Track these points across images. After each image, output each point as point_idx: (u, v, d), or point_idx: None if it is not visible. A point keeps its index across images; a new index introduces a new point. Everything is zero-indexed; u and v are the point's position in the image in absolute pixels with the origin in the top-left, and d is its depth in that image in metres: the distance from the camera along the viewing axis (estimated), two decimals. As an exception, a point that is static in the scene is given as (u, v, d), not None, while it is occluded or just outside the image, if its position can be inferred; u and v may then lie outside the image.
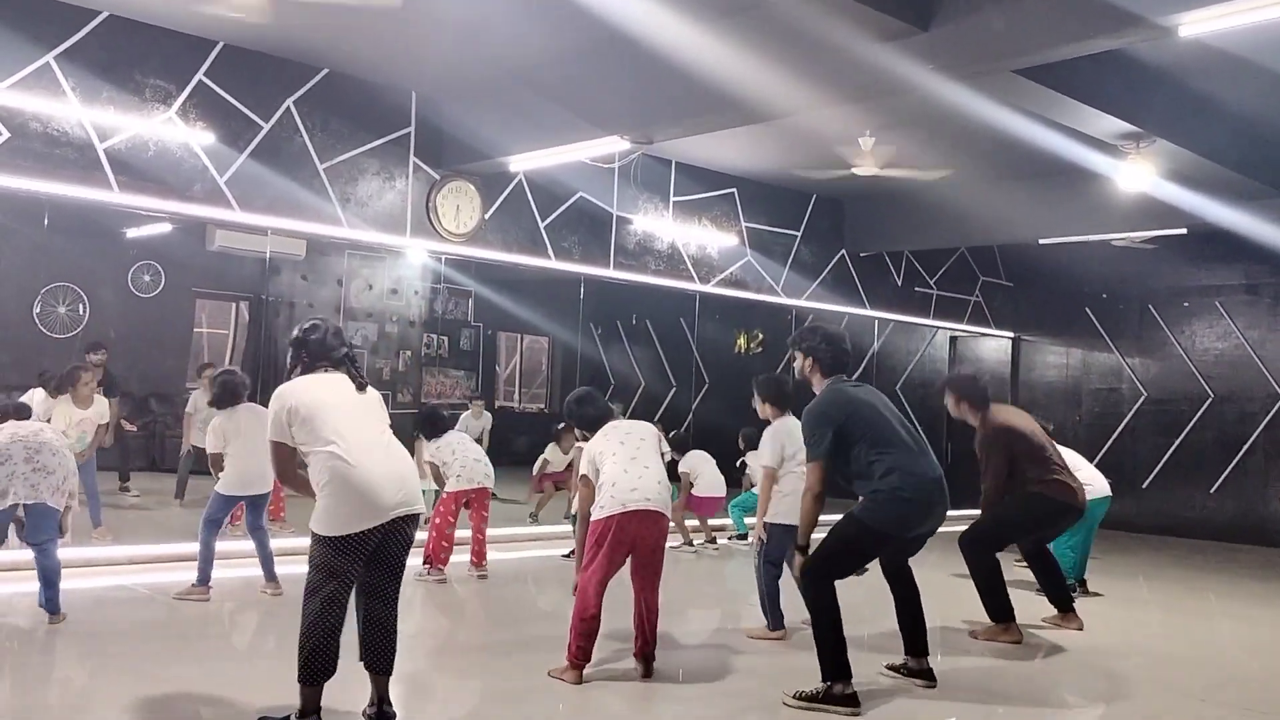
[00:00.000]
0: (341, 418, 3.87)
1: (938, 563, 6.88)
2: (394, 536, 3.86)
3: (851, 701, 4.46)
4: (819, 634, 4.58)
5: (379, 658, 3.92)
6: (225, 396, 6.28)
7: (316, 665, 3.74)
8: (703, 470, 9.22)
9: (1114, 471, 12.42)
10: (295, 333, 4.10)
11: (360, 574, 3.84)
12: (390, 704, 3.95)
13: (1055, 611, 6.50)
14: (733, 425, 9.37)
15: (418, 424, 7.62)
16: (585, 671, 4.75)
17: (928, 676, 4.93)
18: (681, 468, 9.16)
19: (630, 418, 8.26)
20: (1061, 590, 6.53)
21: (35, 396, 7.39)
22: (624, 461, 4.85)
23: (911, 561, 5.04)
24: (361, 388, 3.99)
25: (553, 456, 9.95)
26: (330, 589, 3.74)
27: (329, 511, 3.78)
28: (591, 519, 4.81)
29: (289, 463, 3.92)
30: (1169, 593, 8.47)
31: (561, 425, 10.49)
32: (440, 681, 4.91)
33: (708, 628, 6.45)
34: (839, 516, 4.77)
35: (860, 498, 4.74)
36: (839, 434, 4.62)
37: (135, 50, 7.46)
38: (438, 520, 7.15)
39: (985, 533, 6.19)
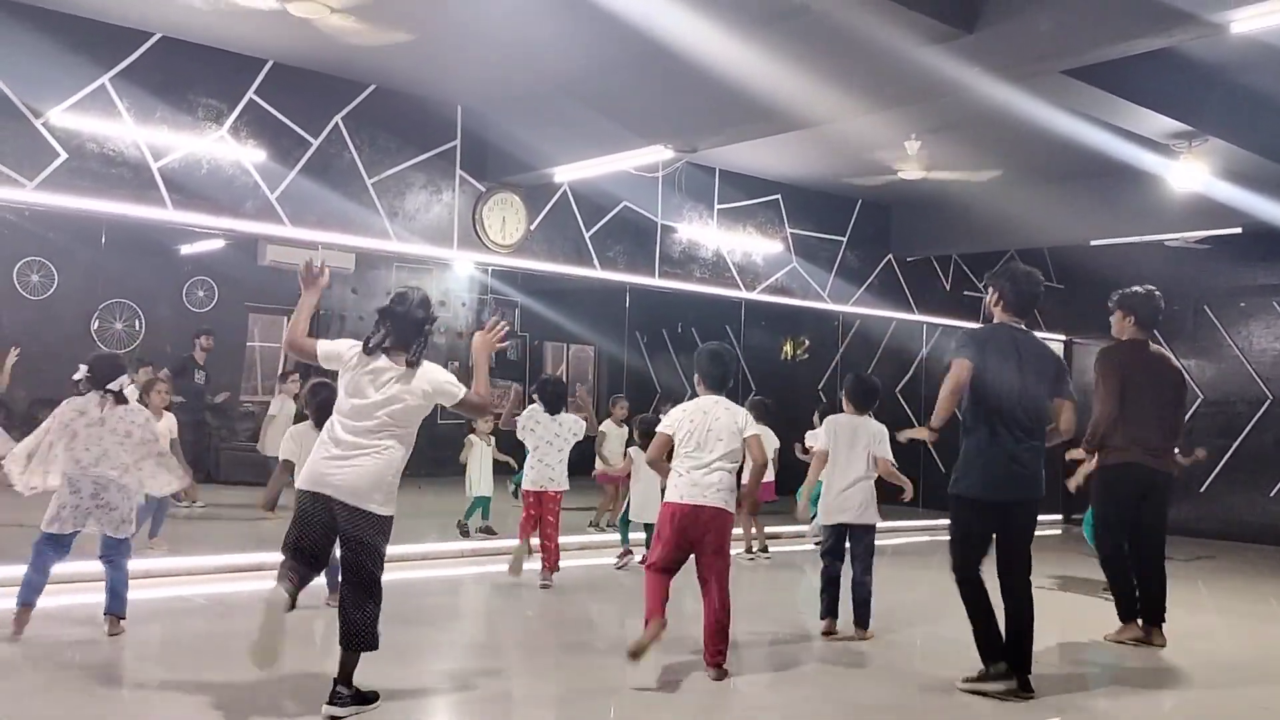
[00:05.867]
0: (351, 407, 4.30)
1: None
2: (342, 516, 4.23)
3: (1005, 676, 4.82)
4: (970, 619, 4.92)
5: (339, 627, 4.25)
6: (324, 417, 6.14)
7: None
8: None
9: (1171, 475, 12.26)
10: (386, 303, 4.41)
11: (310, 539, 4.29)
12: (347, 685, 4.22)
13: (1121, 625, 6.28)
14: (779, 432, 9.32)
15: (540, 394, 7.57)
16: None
17: (1025, 687, 4.88)
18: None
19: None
20: (1128, 602, 6.30)
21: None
22: (693, 451, 5.09)
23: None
24: (412, 365, 4.29)
25: (608, 429, 10.03)
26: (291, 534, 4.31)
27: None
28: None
29: (305, 349, 4.42)
30: (1229, 598, 8.31)
31: (616, 396, 10.58)
32: (491, 687, 4.93)
33: (773, 632, 6.38)
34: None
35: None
36: (980, 362, 4.92)
37: (187, 70, 7.61)
38: (523, 519, 7.49)
39: (1097, 534, 6.37)
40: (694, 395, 5.32)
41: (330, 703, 4.17)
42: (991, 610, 4.91)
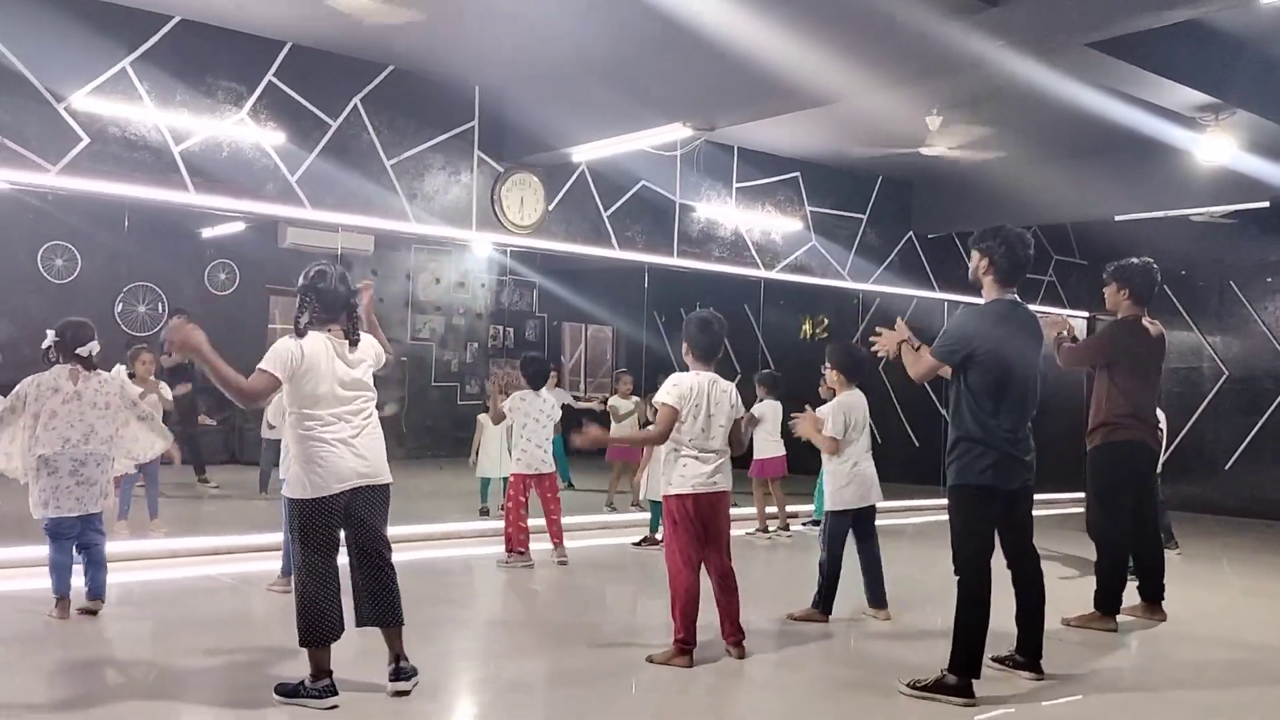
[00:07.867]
0: (332, 392, 4.18)
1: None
2: (360, 499, 4.18)
3: (965, 692, 4.38)
4: (958, 622, 4.47)
5: (377, 613, 4.22)
6: None
7: (315, 628, 4.07)
8: (766, 425, 8.87)
9: (1195, 452, 12.20)
10: (302, 280, 4.28)
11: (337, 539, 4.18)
12: (405, 659, 4.23)
13: (1140, 601, 6.27)
14: (793, 412, 9.26)
15: (524, 371, 7.67)
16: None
17: (1035, 670, 4.78)
18: (755, 410, 8.57)
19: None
20: (1153, 582, 6.24)
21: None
22: (698, 436, 4.90)
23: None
24: (354, 343, 4.28)
25: (618, 404, 10.43)
26: (309, 558, 4.09)
27: (299, 479, 4.15)
28: (667, 494, 4.95)
29: (265, 389, 4.17)
30: (1253, 576, 8.26)
31: (620, 371, 10.76)
32: (511, 667, 4.96)
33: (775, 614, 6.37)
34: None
35: (949, 457, 4.61)
36: (969, 356, 4.49)
37: (207, 53, 7.61)
38: (509, 504, 7.39)
39: (1096, 517, 6.07)
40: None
41: (397, 679, 4.19)
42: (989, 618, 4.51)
